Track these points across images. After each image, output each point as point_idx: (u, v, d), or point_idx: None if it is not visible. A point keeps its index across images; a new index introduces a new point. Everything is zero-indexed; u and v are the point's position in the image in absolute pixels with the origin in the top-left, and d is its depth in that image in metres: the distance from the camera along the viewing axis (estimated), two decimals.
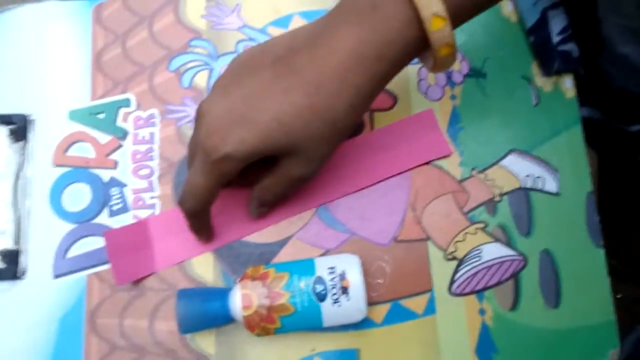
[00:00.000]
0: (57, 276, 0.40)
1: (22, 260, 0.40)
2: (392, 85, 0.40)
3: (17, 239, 0.40)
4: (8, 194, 0.41)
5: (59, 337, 0.39)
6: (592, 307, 0.41)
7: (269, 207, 0.40)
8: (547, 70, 0.44)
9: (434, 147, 0.43)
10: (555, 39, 0.44)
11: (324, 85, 0.32)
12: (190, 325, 0.37)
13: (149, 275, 0.40)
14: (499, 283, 0.41)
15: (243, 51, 0.35)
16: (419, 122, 0.43)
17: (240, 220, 0.41)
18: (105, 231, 0.40)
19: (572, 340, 0.40)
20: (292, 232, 0.41)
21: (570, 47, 0.44)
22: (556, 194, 0.43)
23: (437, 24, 0.31)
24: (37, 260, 0.40)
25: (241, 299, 0.36)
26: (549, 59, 0.44)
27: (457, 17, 0.33)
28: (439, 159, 0.43)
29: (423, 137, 0.43)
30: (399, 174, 0.42)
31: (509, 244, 0.42)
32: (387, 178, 0.42)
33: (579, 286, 0.41)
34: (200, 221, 0.38)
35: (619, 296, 0.42)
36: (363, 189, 0.42)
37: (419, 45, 0.33)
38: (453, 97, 0.44)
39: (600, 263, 0.42)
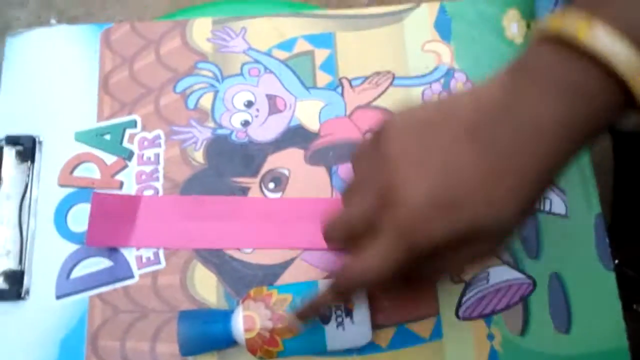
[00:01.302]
0: (59, 297, 0.40)
1: (26, 280, 0.40)
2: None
3: (22, 259, 0.40)
4: (14, 214, 0.41)
5: (60, 358, 0.38)
6: (604, 332, 0.40)
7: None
8: None
9: None
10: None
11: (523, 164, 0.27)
12: (192, 347, 0.36)
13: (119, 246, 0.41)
14: (507, 307, 0.40)
15: (408, 111, 0.30)
16: None
17: (230, 231, 0.41)
18: (94, 192, 0.41)
19: None
20: (297, 253, 0.41)
21: None
22: (564, 216, 0.42)
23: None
24: (41, 280, 0.40)
25: (243, 321, 0.35)
26: None
27: None
28: None
29: None
30: None
31: (517, 267, 0.41)
32: None
33: (589, 310, 0.40)
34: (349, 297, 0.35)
35: (635, 307, 0.40)
36: None
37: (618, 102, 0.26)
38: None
39: (611, 286, 0.41)
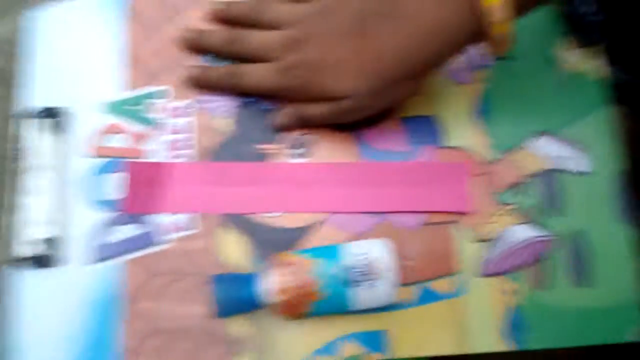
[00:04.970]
0: (98, 261, 0.42)
1: (65, 247, 0.42)
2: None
3: (60, 227, 0.42)
4: (51, 184, 0.43)
5: (98, 320, 0.40)
6: (624, 286, 0.41)
7: (295, 125, 0.43)
8: (584, 42, 0.44)
9: (456, 200, 0.42)
10: (589, 10, 0.43)
11: (391, 55, 0.37)
12: (226, 309, 0.38)
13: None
14: (529, 264, 0.41)
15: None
16: (451, 171, 0.43)
17: (259, 196, 0.42)
18: (131, 162, 0.42)
19: (604, 318, 0.40)
20: (324, 217, 0.42)
21: (601, 17, 0.44)
22: (587, 174, 0.42)
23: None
24: (79, 247, 0.42)
25: (273, 284, 0.37)
26: (584, 31, 0.44)
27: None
28: (455, 212, 0.42)
29: (449, 187, 0.42)
30: (410, 212, 0.42)
31: (539, 224, 0.42)
32: (399, 212, 0.42)
33: (608, 265, 0.41)
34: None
35: None
36: (371, 212, 0.42)
37: (476, 30, 0.36)
38: (481, 80, 0.44)
39: (630, 243, 0.41)
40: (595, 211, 0.42)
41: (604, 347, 0.40)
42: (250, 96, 0.44)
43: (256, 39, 0.42)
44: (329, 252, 0.38)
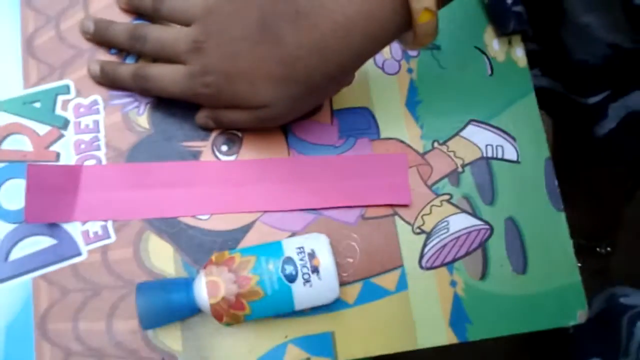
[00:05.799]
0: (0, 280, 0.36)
1: None
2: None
3: None
4: None
5: (7, 346, 0.35)
6: (558, 270, 0.42)
7: (215, 126, 0.40)
8: (503, 30, 0.45)
9: (397, 192, 0.41)
10: (508, 0, 0.44)
11: (302, 58, 0.33)
12: (153, 319, 0.34)
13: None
14: (467, 253, 0.41)
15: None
16: (390, 163, 0.41)
17: (183, 198, 0.39)
18: (29, 164, 0.36)
19: (542, 304, 0.41)
20: (256, 216, 0.39)
21: (520, 8, 0.44)
22: (516, 162, 0.43)
23: None
24: None
25: (207, 287, 0.34)
26: (504, 20, 0.44)
27: None
28: (395, 205, 0.41)
29: (389, 179, 0.41)
30: (352, 206, 0.40)
31: (474, 214, 0.42)
32: (340, 207, 0.40)
33: (543, 250, 0.42)
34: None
35: (579, 265, 0.42)
36: (311, 209, 0.40)
37: (401, 22, 0.33)
38: (410, 71, 0.44)
39: (562, 226, 0.42)
40: (526, 198, 0.42)
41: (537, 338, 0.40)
42: None
43: (156, 36, 0.38)
44: (267, 248, 0.35)
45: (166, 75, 0.37)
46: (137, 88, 0.39)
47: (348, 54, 0.34)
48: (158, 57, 0.38)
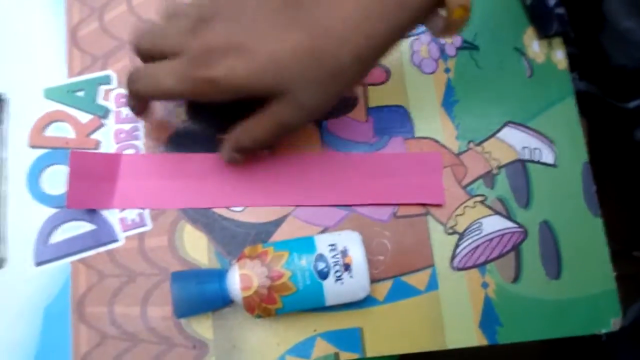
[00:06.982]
0: (39, 264, 0.37)
1: (2, 248, 0.37)
2: (385, 59, 0.39)
3: None
4: None
5: (44, 328, 0.36)
6: (593, 277, 0.41)
7: (243, 156, 0.36)
8: (545, 31, 0.44)
9: (430, 192, 0.40)
10: (550, 2, 0.43)
11: (334, 29, 0.30)
12: (187, 309, 0.35)
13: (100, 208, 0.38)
14: (500, 256, 0.40)
15: None
16: (425, 162, 0.41)
17: (218, 190, 0.39)
18: (72, 151, 0.37)
19: (575, 310, 0.40)
20: (289, 210, 0.39)
21: (562, 10, 0.44)
22: (553, 165, 0.42)
23: None
24: (18, 248, 0.37)
25: (240, 280, 0.34)
26: (546, 21, 0.44)
27: None
28: (429, 205, 0.41)
29: (423, 179, 0.41)
30: (385, 204, 0.40)
31: (508, 216, 0.41)
32: (374, 204, 0.40)
33: (579, 256, 0.41)
34: (142, 105, 0.36)
35: (615, 273, 0.41)
36: (346, 205, 0.40)
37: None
38: (447, 70, 0.44)
39: (598, 232, 0.41)
40: (562, 202, 0.42)
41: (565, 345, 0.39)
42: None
43: (164, 32, 0.33)
44: (300, 244, 0.36)
45: (160, 71, 0.32)
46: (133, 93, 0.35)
47: (386, 29, 0.30)
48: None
